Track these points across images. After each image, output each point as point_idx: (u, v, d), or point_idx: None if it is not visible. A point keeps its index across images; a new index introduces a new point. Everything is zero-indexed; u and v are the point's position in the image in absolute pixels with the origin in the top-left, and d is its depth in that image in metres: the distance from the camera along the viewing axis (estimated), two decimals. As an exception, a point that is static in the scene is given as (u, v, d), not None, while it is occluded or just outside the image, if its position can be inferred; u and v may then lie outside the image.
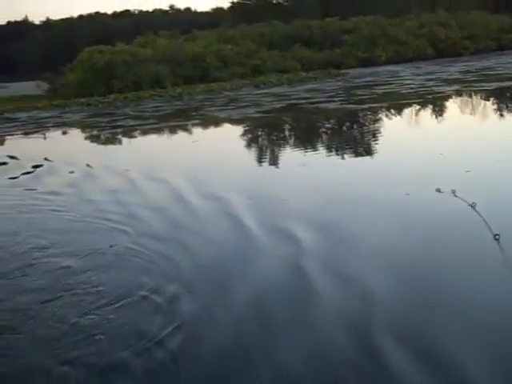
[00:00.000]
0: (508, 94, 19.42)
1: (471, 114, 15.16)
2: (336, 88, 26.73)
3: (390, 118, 16.23)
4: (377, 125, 15.06)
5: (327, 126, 16.15)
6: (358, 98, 20.89)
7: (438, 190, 6.60)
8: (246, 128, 16.88)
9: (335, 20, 49.98)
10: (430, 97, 19.45)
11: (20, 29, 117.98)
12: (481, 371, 3.26)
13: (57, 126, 21.30)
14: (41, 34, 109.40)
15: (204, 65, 39.51)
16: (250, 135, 15.57)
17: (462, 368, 3.30)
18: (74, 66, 36.28)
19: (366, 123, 15.64)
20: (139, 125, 19.19)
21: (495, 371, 3.29)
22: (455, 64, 36.62)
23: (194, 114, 21.29)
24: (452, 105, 17.78)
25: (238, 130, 16.63)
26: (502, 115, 14.38)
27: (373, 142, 11.93)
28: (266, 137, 15.29)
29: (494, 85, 21.17)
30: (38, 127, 21.12)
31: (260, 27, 48.20)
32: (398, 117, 16.48)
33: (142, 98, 30.72)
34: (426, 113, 16.49)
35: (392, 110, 17.71)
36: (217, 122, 18.47)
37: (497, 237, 5.02)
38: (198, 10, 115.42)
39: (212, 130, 17.43)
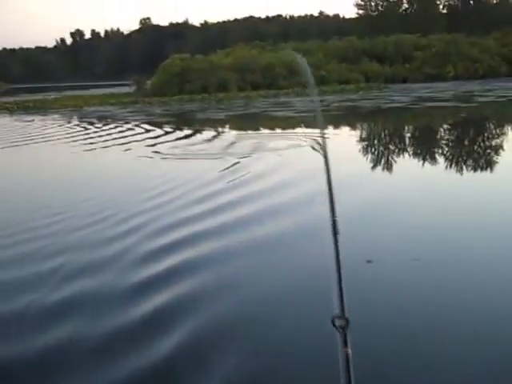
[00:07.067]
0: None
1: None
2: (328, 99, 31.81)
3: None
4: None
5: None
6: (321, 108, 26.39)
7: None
8: (182, 124, 23.14)
9: (412, 36, 53.32)
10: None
11: (180, 30, 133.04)
12: None
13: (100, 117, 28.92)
14: (198, 35, 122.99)
15: (272, 73, 46.00)
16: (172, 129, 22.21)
17: None
18: (159, 70, 44.66)
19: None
20: (137, 119, 26.28)
21: None
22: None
23: (187, 116, 28.23)
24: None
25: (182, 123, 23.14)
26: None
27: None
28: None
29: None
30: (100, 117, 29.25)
31: (334, 42, 53.41)
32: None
33: (193, 100, 38.01)
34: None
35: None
36: (186, 120, 25.23)
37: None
38: (346, 16, 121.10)
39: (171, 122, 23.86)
